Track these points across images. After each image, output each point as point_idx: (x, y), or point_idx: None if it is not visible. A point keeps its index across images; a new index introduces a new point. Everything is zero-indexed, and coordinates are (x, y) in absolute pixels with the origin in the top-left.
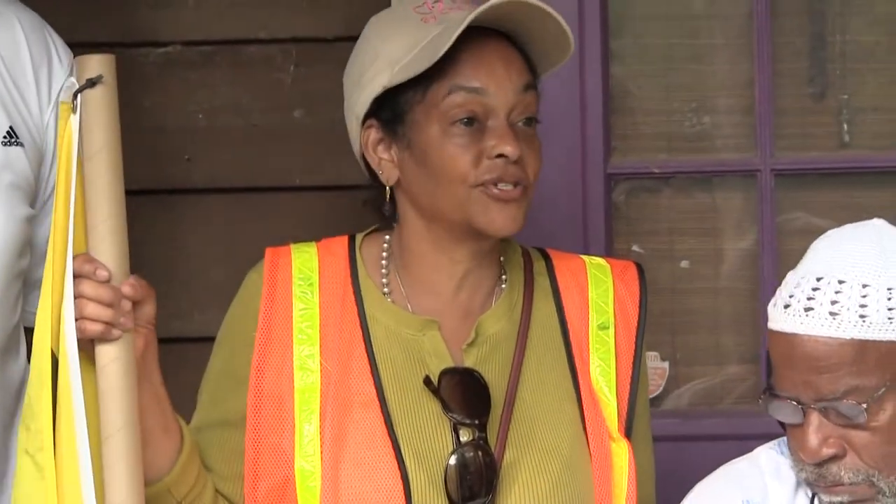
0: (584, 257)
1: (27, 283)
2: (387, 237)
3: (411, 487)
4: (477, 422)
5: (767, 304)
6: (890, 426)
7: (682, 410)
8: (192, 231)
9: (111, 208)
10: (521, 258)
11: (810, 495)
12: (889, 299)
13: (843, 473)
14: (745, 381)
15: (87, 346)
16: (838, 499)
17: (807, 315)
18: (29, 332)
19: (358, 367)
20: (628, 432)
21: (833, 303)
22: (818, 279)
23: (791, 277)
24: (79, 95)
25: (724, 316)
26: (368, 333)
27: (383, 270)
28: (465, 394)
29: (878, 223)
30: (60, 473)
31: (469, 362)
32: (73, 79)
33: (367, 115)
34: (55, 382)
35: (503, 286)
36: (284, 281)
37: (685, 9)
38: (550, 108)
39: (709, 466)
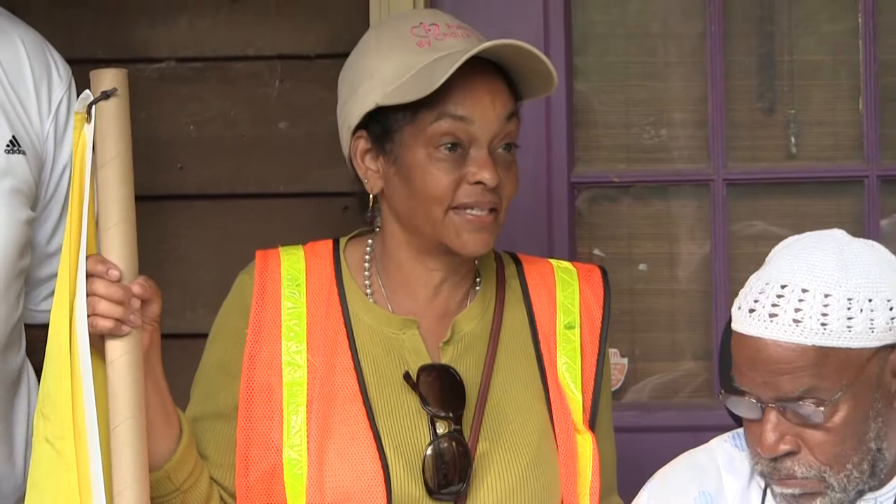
0: (552, 261)
1: (28, 282)
2: (369, 241)
3: (391, 475)
4: (452, 415)
5: (719, 305)
6: (843, 427)
7: (641, 404)
8: (183, 234)
9: (122, 213)
10: (494, 262)
11: (763, 487)
12: (849, 309)
13: (796, 468)
14: (698, 376)
15: (97, 343)
16: (789, 491)
17: (771, 321)
18: (29, 328)
19: (342, 363)
20: (592, 425)
21: (797, 310)
22: (783, 286)
23: (755, 283)
24: (94, 106)
25: (680, 315)
26: (352, 332)
27: (366, 273)
28: (441, 389)
29: (838, 234)
30: (80, 459)
31: (445, 359)
32: (88, 91)
33: (359, 126)
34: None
35: (477, 288)
36: (273, 281)
37: (643, 29)
38: None
39: (665, 456)
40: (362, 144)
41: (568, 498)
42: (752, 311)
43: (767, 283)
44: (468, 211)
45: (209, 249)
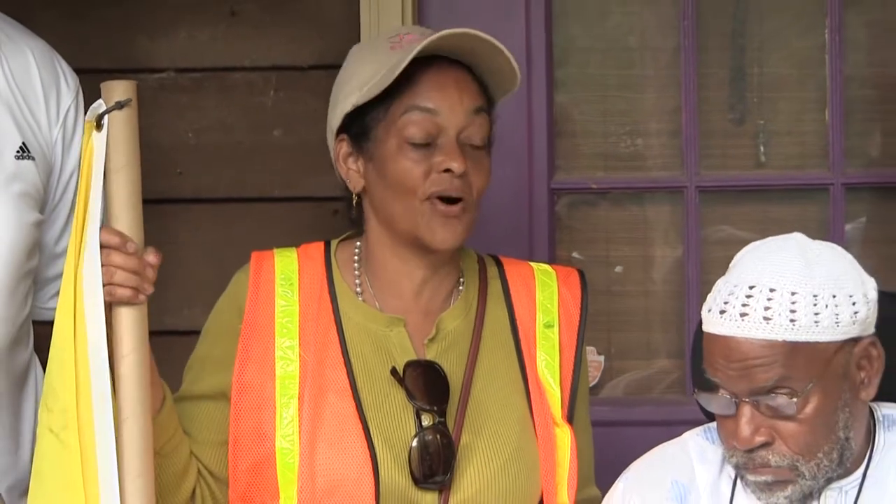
0: (533, 264)
1: (36, 281)
2: (358, 243)
3: (379, 465)
4: (437, 408)
5: (692, 306)
6: (814, 418)
7: (617, 399)
8: (182, 236)
9: (132, 218)
10: (477, 264)
11: (732, 477)
12: (815, 305)
13: (770, 458)
14: (671, 373)
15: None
16: (763, 478)
17: (742, 320)
18: (37, 324)
19: (332, 358)
20: (570, 418)
21: (766, 308)
22: (751, 287)
23: (723, 286)
24: (106, 116)
25: (654, 315)
26: (342, 329)
27: (355, 273)
28: (426, 383)
29: (798, 237)
30: (83, 449)
31: (430, 355)
32: (100, 101)
33: (340, 130)
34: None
35: (461, 289)
36: (268, 281)
37: (621, 43)
38: (502, 129)
39: (640, 449)
40: (344, 147)
41: (547, 487)
42: (722, 311)
43: (736, 286)
44: (439, 203)
45: (207, 250)
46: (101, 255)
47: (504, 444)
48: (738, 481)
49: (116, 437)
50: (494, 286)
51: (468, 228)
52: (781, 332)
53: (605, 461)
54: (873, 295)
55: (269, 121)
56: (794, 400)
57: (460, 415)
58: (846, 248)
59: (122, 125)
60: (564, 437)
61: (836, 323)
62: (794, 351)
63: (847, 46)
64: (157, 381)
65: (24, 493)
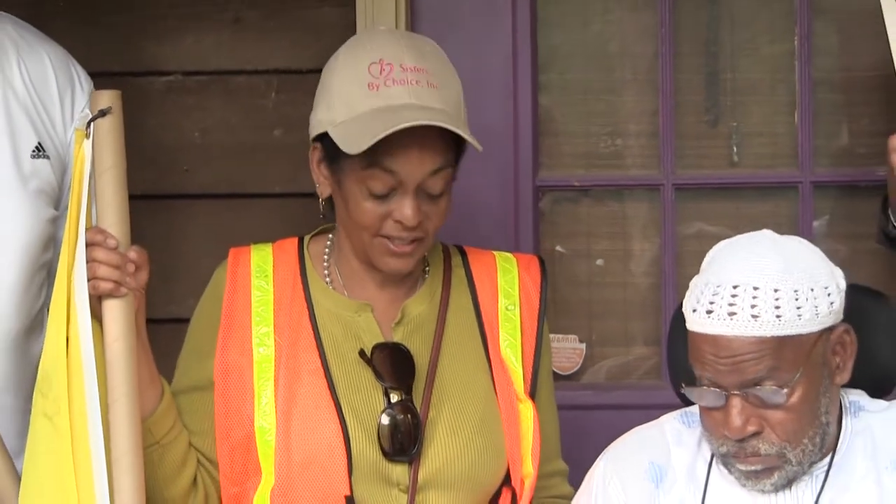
0: (495, 252)
1: (50, 273)
2: (329, 237)
3: (351, 440)
4: (404, 386)
5: (668, 296)
6: (801, 406)
7: (597, 384)
8: (187, 230)
9: (118, 214)
10: (442, 253)
11: (708, 460)
12: (797, 300)
13: (761, 446)
14: (648, 359)
15: (95, 313)
16: (752, 468)
17: (731, 318)
18: None
19: (305, 342)
20: (533, 394)
21: (752, 307)
22: (735, 287)
23: (704, 286)
24: (91, 123)
25: (632, 306)
26: (314, 315)
27: (325, 264)
28: (393, 364)
29: (768, 233)
30: (74, 433)
31: (397, 338)
32: (87, 110)
33: (316, 138)
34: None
35: (426, 276)
36: (244, 274)
37: (601, 49)
38: (489, 130)
39: (619, 431)
40: (318, 154)
41: (512, 459)
42: (709, 312)
43: (719, 286)
44: (390, 243)
45: (211, 243)
46: (87, 251)
47: (468, 418)
48: (714, 464)
49: (105, 420)
50: (458, 273)
51: (422, 255)
52: (769, 327)
53: (586, 442)
54: (843, 284)
55: (271, 121)
56: (784, 390)
57: (427, 392)
58: (814, 243)
59: (107, 131)
60: (527, 412)
61: (816, 314)
62: (782, 344)
63: (815, 52)
64: (154, 376)
65: None
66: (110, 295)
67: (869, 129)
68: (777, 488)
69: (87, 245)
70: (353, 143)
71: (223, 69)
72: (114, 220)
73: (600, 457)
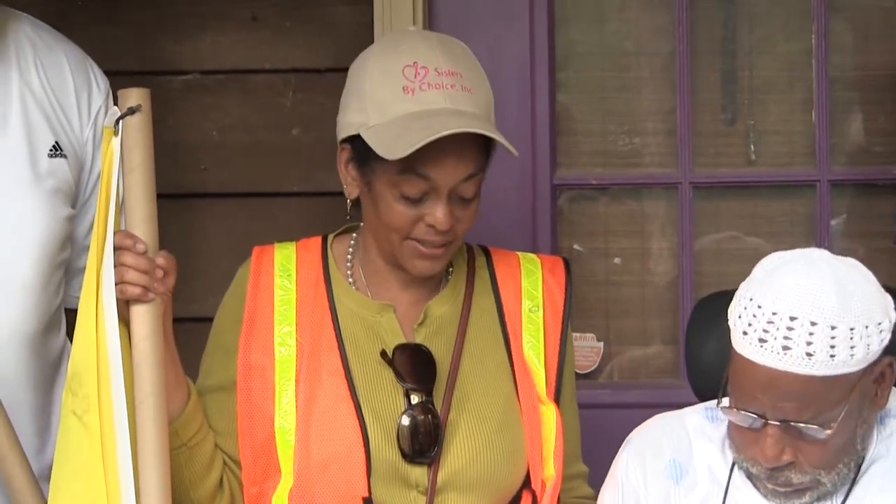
0: (519, 253)
1: (68, 271)
2: (353, 236)
3: (370, 441)
4: (424, 388)
5: (685, 294)
6: (838, 439)
7: (614, 383)
8: (206, 229)
9: (146, 212)
10: (465, 254)
11: (731, 461)
12: (851, 339)
13: (793, 476)
14: (665, 358)
15: (123, 318)
16: (782, 490)
17: (785, 353)
18: (69, 312)
19: (327, 342)
20: (556, 398)
21: (808, 343)
22: (792, 319)
23: (756, 309)
24: (121, 121)
25: (649, 304)
26: (336, 315)
27: (348, 264)
28: (414, 365)
29: (826, 256)
30: (103, 431)
31: (419, 339)
32: (115, 107)
33: (345, 139)
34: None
35: (450, 277)
36: (267, 273)
37: (619, 48)
38: (506, 129)
39: (634, 429)
40: (346, 155)
41: (533, 462)
42: (763, 341)
43: (775, 314)
44: (420, 245)
45: (229, 242)
46: (115, 255)
47: (489, 420)
48: (736, 464)
49: (132, 420)
50: (482, 274)
51: (450, 257)
52: (821, 367)
53: (604, 441)
54: (894, 316)
55: (288, 120)
56: (827, 431)
57: (448, 394)
58: (831, 241)
59: (135, 129)
60: (550, 415)
61: (867, 353)
62: (830, 385)
63: (832, 50)
64: (181, 378)
65: (41, 476)
66: (138, 300)
67: (886, 127)
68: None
69: (116, 249)
70: (390, 148)
71: (241, 68)
72: (141, 218)
73: (623, 447)
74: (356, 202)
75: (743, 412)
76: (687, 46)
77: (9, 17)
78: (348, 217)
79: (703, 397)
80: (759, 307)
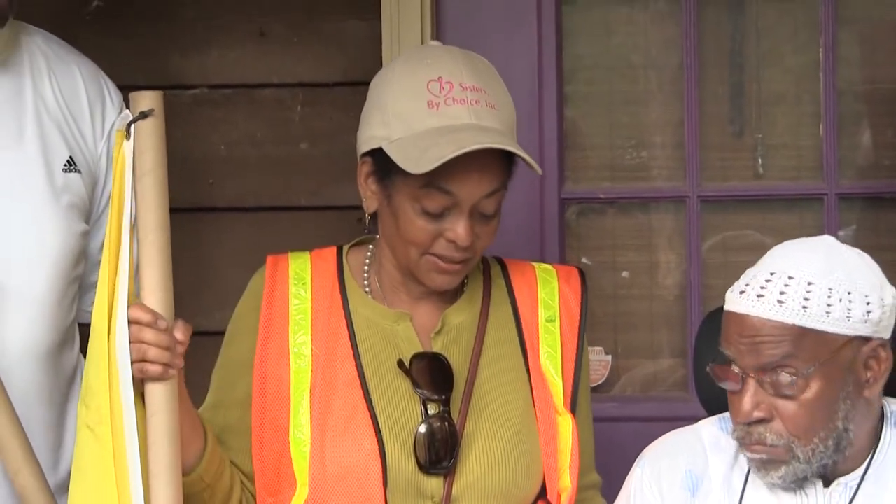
0: (535, 264)
1: (81, 287)
2: (370, 247)
3: (386, 452)
4: (441, 397)
5: (693, 308)
6: (814, 402)
7: (623, 396)
8: (214, 243)
9: (159, 220)
10: (481, 265)
11: (746, 470)
12: (829, 297)
13: (767, 435)
14: (674, 371)
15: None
16: (758, 456)
17: (758, 300)
18: (83, 327)
19: (342, 351)
20: (573, 408)
21: (781, 293)
22: (771, 273)
23: (748, 271)
24: (133, 125)
25: (657, 317)
26: (352, 324)
27: (365, 274)
28: (431, 374)
29: (830, 239)
30: (115, 443)
31: (436, 348)
32: (127, 111)
33: (366, 153)
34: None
35: (465, 287)
36: (282, 282)
37: (626, 61)
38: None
39: (644, 443)
40: (366, 168)
41: (549, 472)
42: (742, 292)
43: (759, 271)
44: (441, 260)
45: (237, 256)
46: (131, 330)
47: (506, 430)
48: (751, 474)
49: (144, 432)
50: (498, 284)
51: (468, 272)
52: (792, 315)
53: (612, 453)
54: (890, 301)
55: (296, 134)
56: (797, 379)
57: (465, 404)
58: None
59: (148, 133)
60: (566, 425)
61: (848, 318)
62: (803, 335)
63: (840, 63)
64: (196, 423)
65: (58, 489)
66: (159, 378)
67: (894, 140)
68: (785, 483)
69: (132, 323)
70: (414, 162)
71: (249, 82)
72: (155, 224)
73: (637, 462)
74: (374, 216)
75: (723, 368)
76: (695, 59)
77: (21, 30)
78: (366, 231)
79: (711, 410)
80: (751, 269)
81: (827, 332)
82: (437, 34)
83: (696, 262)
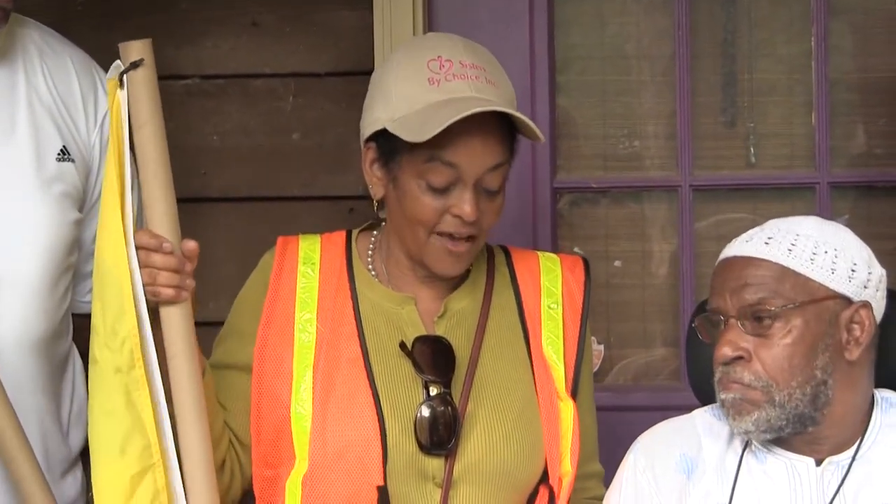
0: (539, 252)
1: (75, 276)
2: (375, 233)
3: (387, 432)
4: (443, 380)
5: (686, 297)
6: (792, 345)
7: (616, 386)
8: (207, 233)
9: (158, 169)
10: (485, 252)
11: (739, 453)
12: (815, 248)
13: (745, 375)
14: (667, 361)
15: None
16: (731, 395)
17: (746, 243)
18: (76, 317)
19: (347, 331)
20: (574, 394)
21: (769, 238)
22: (762, 228)
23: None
24: (125, 75)
25: (650, 307)
26: (357, 305)
27: (369, 259)
28: (433, 356)
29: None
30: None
31: (439, 331)
32: (118, 61)
33: (370, 138)
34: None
35: (469, 274)
36: (291, 260)
37: (619, 51)
38: None
39: (637, 432)
40: (371, 154)
41: (551, 457)
42: (730, 243)
43: (752, 230)
44: (447, 240)
45: (230, 246)
46: (139, 255)
47: (507, 413)
48: (745, 457)
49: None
50: (501, 271)
51: (475, 256)
52: (777, 255)
53: (606, 443)
54: (878, 272)
55: (289, 124)
56: (774, 317)
57: (466, 386)
58: None
59: (141, 84)
60: (567, 411)
61: (832, 270)
62: (784, 275)
63: (832, 52)
64: (199, 353)
65: (65, 472)
66: (172, 301)
67: (886, 129)
68: (758, 428)
69: (140, 249)
70: (417, 132)
71: (241, 73)
72: (154, 174)
73: (630, 449)
74: (381, 203)
75: (705, 318)
76: (687, 49)
77: (15, 22)
78: (373, 219)
79: (704, 400)
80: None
81: (810, 279)
82: (430, 23)
83: (688, 252)
